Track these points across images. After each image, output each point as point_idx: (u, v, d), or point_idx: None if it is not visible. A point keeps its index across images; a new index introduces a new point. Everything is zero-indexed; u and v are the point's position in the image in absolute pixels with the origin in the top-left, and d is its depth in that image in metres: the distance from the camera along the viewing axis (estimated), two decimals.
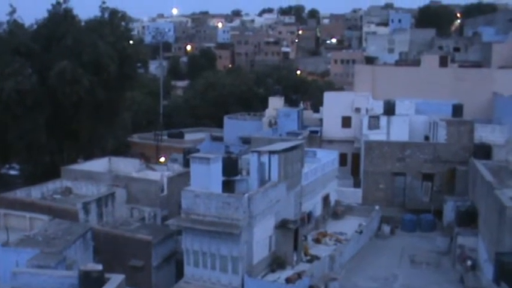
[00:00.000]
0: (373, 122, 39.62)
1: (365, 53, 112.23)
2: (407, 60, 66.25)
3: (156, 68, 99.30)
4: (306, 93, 72.40)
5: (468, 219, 27.12)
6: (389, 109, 40.00)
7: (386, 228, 32.22)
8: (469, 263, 24.78)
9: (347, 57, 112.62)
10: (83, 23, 44.60)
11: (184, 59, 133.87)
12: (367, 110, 43.01)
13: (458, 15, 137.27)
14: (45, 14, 43.35)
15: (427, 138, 39.06)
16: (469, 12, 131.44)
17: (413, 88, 44.83)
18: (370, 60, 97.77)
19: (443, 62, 48.78)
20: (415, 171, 34.55)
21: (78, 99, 39.94)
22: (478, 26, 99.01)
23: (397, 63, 61.08)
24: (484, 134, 36.02)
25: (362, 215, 32.66)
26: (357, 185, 38.14)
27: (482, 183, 25.94)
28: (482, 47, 73.65)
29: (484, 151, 32.29)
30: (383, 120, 39.48)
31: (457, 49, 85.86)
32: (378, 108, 41.46)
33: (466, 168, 32.44)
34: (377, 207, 33.31)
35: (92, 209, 25.98)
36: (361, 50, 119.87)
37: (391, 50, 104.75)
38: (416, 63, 52.27)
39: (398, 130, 38.80)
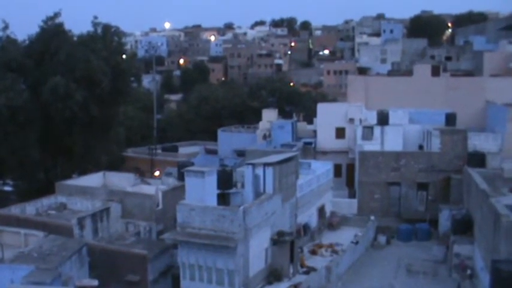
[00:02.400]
0: (367, 133, 39.78)
1: (358, 63, 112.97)
2: (400, 70, 66.75)
3: (149, 82, 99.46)
4: (299, 104, 72.63)
5: (464, 227, 27.25)
6: (383, 119, 40.23)
7: (382, 238, 32.28)
8: (468, 271, 24.84)
9: (340, 68, 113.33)
10: (75, 38, 44.79)
11: (177, 72, 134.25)
12: (360, 121, 43.18)
13: (450, 24, 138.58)
14: (38, 29, 43.54)
15: (421, 147, 39.24)
16: (460, 21, 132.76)
17: (406, 98, 45.10)
18: (362, 71, 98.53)
19: (435, 72, 49.15)
20: (410, 180, 34.73)
21: (72, 115, 39.96)
22: (469, 35, 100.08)
23: (390, 73, 61.46)
24: (477, 142, 36.27)
25: (358, 225, 32.71)
26: (352, 195, 38.21)
27: (477, 191, 26.12)
28: (474, 55, 74.41)
29: (478, 159, 32.52)
30: (377, 130, 39.67)
31: (448, 58, 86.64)
32: (372, 118, 41.67)
33: (460, 176, 32.63)
34: (372, 218, 33.38)
35: (87, 224, 25.94)
36: (353, 61, 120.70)
37: (383, 60, 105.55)
38: (409, 73, 52.58)
39: (392, 140, 38.98)
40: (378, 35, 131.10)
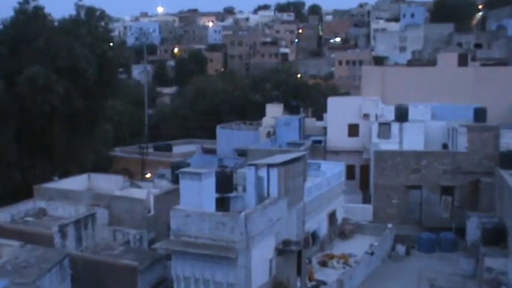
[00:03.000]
0: (384, 130, 39.75)
1: (373, 52, 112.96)
2: (422, 60, 66.77)
3: (139, 73, 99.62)
4: (307, 98, 72.59)
5: (496, 237, 27.11)
6: (402, 115, 40.17)
7: (401, 249, 32.23)
8: None
9: (353, 58, 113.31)
10: (56, 23, 44.83)
11: (171, 62, 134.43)
12: (376, 117, 43.17)
13: (480, 7, 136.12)
14: (12, 13, 43.55)
15: (445, 146, 39.18)
16: (492, 3, 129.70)
17: (428, 91, 45.08)
18: (379, 61, 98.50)
19: (462, 61, 48.93)
20: (433, 183, 34.68)
21: (52, 109, 40.01)
22: (502, 18, 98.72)
23: (410, 63, 61.49)
24: (510, 140, 36.16)
25: (373, 234, 32.69)
26: (366, 200, 38.22)
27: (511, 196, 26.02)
28: (508, 42, 73.93)
29: None
30: (395, 127, 39.63)
31: (478, 45, 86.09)
32: (389, 114, 41.62)
33: (491, 179, 32.53)
34: (390, 225, 33.35)
35: (70, 232, 25.90)
36: (369, 50, 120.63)
37: (402, 49, 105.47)
38: (432, 62, 52.54)
39: (412, 138, 38.94)
40: (396, 20, 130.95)
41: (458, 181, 34.29)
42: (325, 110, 47.47)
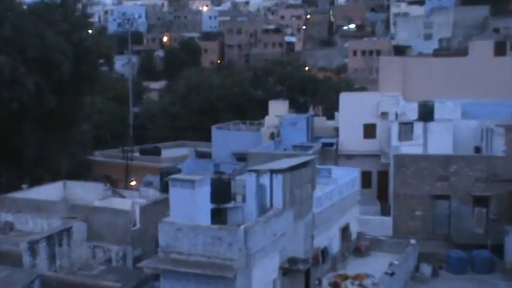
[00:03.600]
0: (405, 131, 39.76)
1: (393, 41, 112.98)
2: (451, 49, 66.72)
3: (123, 65, 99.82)
4: (316, 95, 72.73)
5: None
6: (427, 113, 40.16)
7: (426, 269, 32.17)
8: None
9: (370, 48, 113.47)
10: (25, 7, 44.87)
11: (159, 53, 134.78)
12: (396, 115, 43.19)
13: None
14: None
15: (478, 150, 39.18)
16: None
17: (458, 85, 45.00)
18: (400, 51, 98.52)
19: (499, 50, 48.65)
20: (463, 193, 34.66)
21: (21, 107, 40.00)
22: None
23: (437, 53, 61.53)
24: None
25: (393, 251, 32.61)
26: (385, 212, 38.22)
27: None
28: None
29: None
30: (418, 127, 39.63)
31: None
32: (411, 112, 41.63)
33: None
34: (413, 241, 33.26)
35: (41, 249, 25.85)
36: (388, 38, 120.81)
37: (428, 36, 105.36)
38: (463, 52, 52.45)
39: (438, 140, 38.93)
40: (421, 2, 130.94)
41: (494, 190, 34.20)
42: (337, 108, 47.44)
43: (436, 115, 40.36)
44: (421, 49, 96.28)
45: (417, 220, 35.04)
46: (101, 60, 50.27)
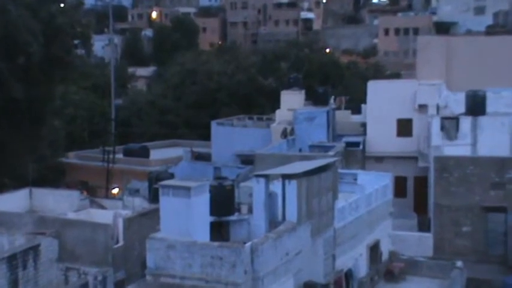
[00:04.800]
0: (449, 127, 39.63)
1: (435, 17, 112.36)
2: (507, 26, 66.11)
3: (103, 47, 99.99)
4: (339, 83, 72.67)
5: None
6: (477, 105, 40.00)
7: None
8: None
9: (405, 25, 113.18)
10: None
11: (147, 32, 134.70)
12: (438, 108, 43.07)
13: None
14: None
15: None
16: None
17: None
18: (443, 28, 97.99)
19: None
20: None
21: None
22: None
23: (490, 31, 61.03)
24: None
25: (434, 275, 32.49)
26: (424, 227, 38.15)
27: None
28: None
29: None
30: (465, 123, 39.53)
31: None
32: (457, 104, 41.56)
33: None
34: (459, 264, 33.15)
35: (1, 272, 25.96)
36: (428, 13, 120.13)
37: (479, 10, 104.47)
38: None
39: (491, 139, 38.71)
40: None
41: None
42: (364, 100, 47.34)
43: (489, 108, 40.19)
44: (470, 26, 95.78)
45: (464, 237, 34.96)
46: (76, 41, 50.26)
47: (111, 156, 54.33)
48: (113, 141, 59.90)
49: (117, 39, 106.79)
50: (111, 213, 32.22)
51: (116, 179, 52.30)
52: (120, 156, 57.12)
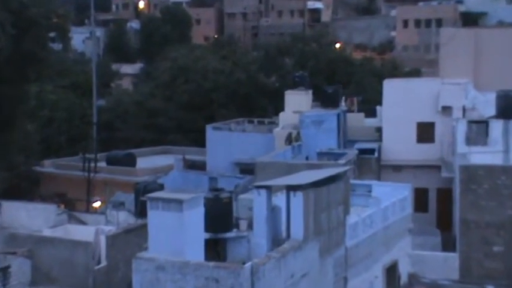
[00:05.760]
0: (477, 132, 39.58)
1: (461, 6, 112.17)
2: None
3: (84, 41, 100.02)
4: (351, 82, 72.65)
5: None
6: (509, 107, 39.96)
7: None
8: None
9: (427, 16, 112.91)
10: None
11: (134, 24, 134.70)
12: (464, 111, 43.05)
13: None
14: None
15: None
16: None
17: None
18: (470, 19, 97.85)
19: None
20: None
21: None
22: None
23: None
24: None
25: None
26: (448, 245, 38.13)
27: None
28: None
29: None
30: (496, 127, 39.50)
31: None
32: (486, 106, 41.51)
33: None
34: None
35: None
36: (453, 2, 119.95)
37: None
38: None
39: None
40: None
41: None
42: (379, 101, 47.35)
43: None
44: (502, 17, 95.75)
45: (495, 258, 34.81)
46: (52, 34, 50.25)
47: (92, 164, 54.30)
48: (94, 147, 59.91)
49: (99, 32, 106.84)
50: (92, 230, 32.24)
51: (97, 191, 52.24)
52: (102, 164, 57.11)
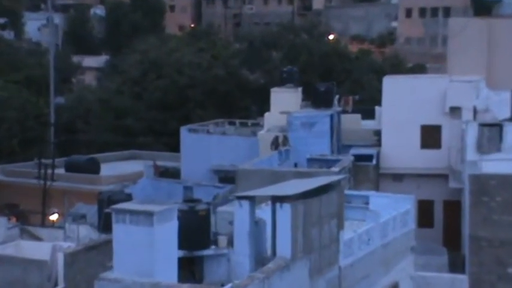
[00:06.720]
0: (490, 137, 39.69)
1: None
2: None
3: (40, 29, 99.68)
4: (347, 79, 72.82)
5: None
6: None
7: None
8: None
9: (433, 4, 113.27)
10: None
11: (98, 10, 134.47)
12: (475, 112, 43.20)
13: None
14: None
15: None
16: None
17: None
18: (483, 8, 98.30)
19: None
20: None
21: None
22: None
23: None
24: None
25: None
26: (457, 266, 38.25)
27: None
28: None
29: None
30: (511, 131, 39.62)
31: None
32: (501, 107, 41.72)
33: None
34: None
35: None
36: None
37: None
38: None
39: None
40: None
41: None
42: (378, 101, 47.44)
43: None
44: None
45: (510, 281, 35.01)
46: (1, 20, 50.17)
47: (49, 171, 54.20)
48: (52, 152, 59.71)
49: (57, 19, 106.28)
50: (48, 246, 32.16)
51: (55, 202, 52.16)
52: (61, 171, 56.97)
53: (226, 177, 44.25)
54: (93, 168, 58.15)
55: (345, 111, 50.50)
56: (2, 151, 63.14)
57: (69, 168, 58.25)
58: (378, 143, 45.82)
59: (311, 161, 41.33)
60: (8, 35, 57.35)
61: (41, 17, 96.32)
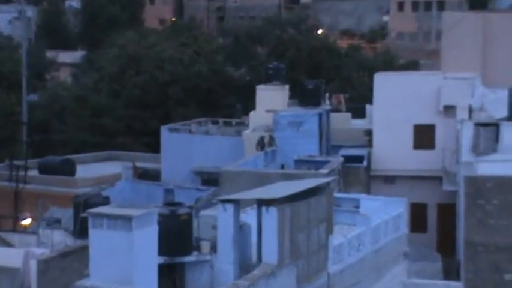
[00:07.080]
0: (486, 137, 39.78)
1: None
2: None
3: (11, 21, 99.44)
4: (336, 76, 72.90)
5: None
6: None
7: None
8: None
9: None
10: None
11: (74, 3, 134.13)
12: (471, 111, 43.27)
13: None
14: None
15: None
16: None
17: None
18: (478, 2, 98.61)
19: None
20: None
21: None
22: None
23: None
24: None
25: None
26: (451, 273, 38.39)
27: None
28: None
29: None
30: (509, 131, 39.73)
31: None
32: (496, 105, 41.76)
33: None
34: None
35: None
36: None
37: None
38: None
39: None
40: None
41: None
42: (369, 99, 47.49)
43: None
44: None
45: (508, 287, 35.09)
46: None
47: (21, 173, 54.06)
48: (24, 152, 59.55)
49: (30, 11, 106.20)
50: (20, 253, 32.07)
51: (28, 205, 51.96)
52: (34, 173, 56.83)
53: (210, 179, 44.26)
54: (68, 169, 57.93)
55: (337, 110, 50.56)
56: None
57: (43, 169, 58.05)
58: (369, 144, 45.92)
59: (299, 162, 41.33)
60: None
61: (12, 9, 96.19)
